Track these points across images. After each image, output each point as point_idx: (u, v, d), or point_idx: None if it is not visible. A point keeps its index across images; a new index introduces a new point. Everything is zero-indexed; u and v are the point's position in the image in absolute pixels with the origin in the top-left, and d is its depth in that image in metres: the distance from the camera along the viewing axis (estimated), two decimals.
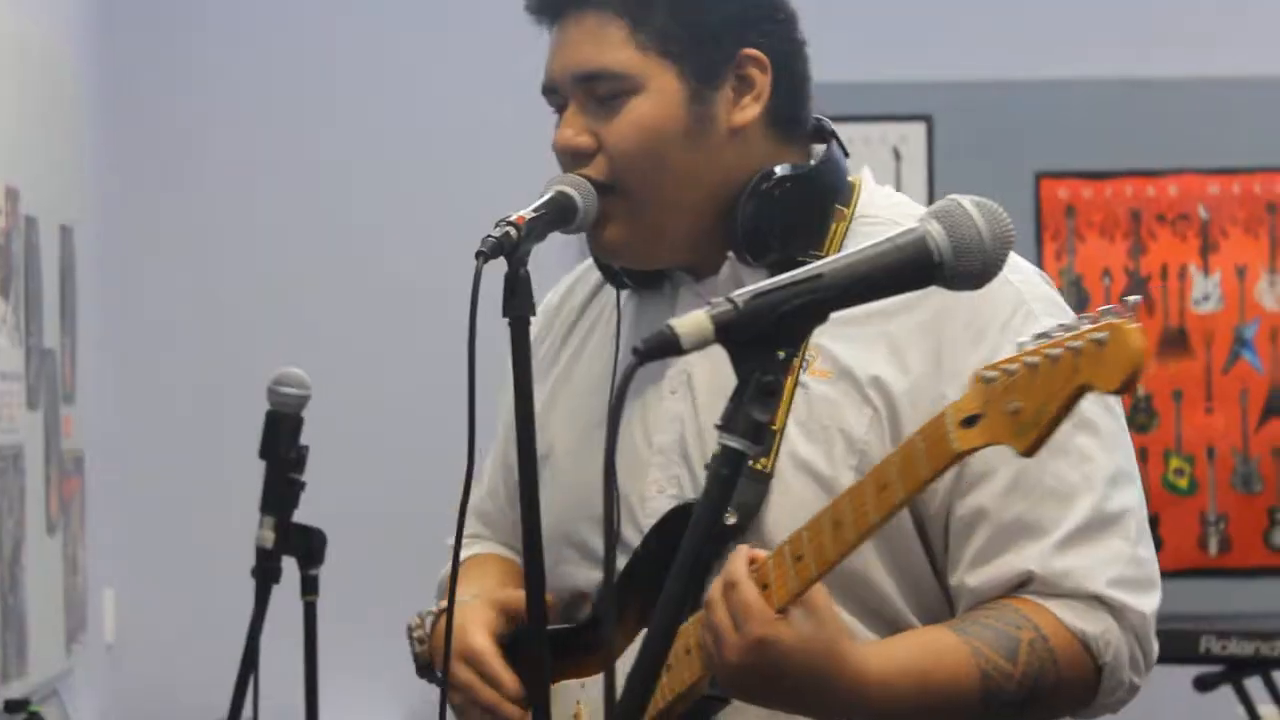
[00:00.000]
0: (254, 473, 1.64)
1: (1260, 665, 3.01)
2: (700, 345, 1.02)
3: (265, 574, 1.59)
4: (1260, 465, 3.49)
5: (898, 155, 3.64)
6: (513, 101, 3.07)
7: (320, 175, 3.70)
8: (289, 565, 1.62)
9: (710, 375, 1.40)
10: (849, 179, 1.49)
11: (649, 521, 1.44)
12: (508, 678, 1.45)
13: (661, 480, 1.48)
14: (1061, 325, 1.06)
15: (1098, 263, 3.58)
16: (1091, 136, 3.60)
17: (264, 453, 1.63)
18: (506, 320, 1.34)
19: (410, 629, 1.60)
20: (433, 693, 1.82)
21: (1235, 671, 2.97)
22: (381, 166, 3.72)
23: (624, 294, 1.54)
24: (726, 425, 1.04)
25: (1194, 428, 3.51)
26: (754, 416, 1.04)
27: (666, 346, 1.03)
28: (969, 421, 1.12)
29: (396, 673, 3.29)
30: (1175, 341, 3.53)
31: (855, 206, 1.46)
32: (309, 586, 1.62)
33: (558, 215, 1.37)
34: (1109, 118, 3.61)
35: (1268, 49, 3.67)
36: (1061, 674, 1.34)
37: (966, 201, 1.06)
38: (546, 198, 1.37)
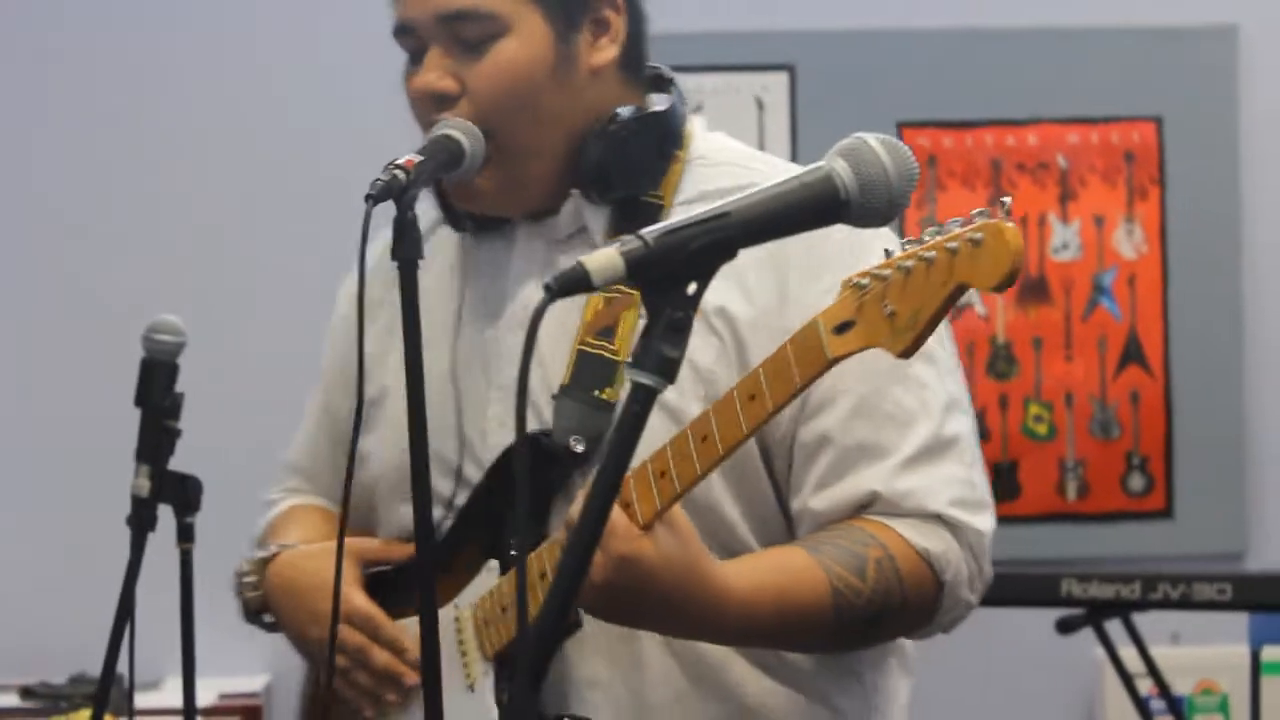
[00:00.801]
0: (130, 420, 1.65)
1: (1120, 607, 3.09)
2: (612, 281, 1.03)
3: (141, 522, 1.59)
4: (1118, 411, 3.57)
5: (760, 105, 3.57)
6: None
7: (196, 105, 3.65)
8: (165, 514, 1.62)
9: (550, 312, 1.36)
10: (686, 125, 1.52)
11: (489, 456, 1.45)
12: (407, 641, 1.44)
13: (502, 415, 1.47)
14: (933, 228, 1.10)
15: (959, 211, 3.23)
16: (953, 86, 3.61)
17: (139, 400, 1.62)
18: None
19: (239, 574, 1.60)
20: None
21: (1096, 614, 3.07)
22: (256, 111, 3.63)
23: (464, 235, 1.54)
24: (637, 362, 1.05)
25: (1053, 375, 3.56)
26: (665, 353, 1.05)
27: (578, 284, 1.03)
28: (841, 328, 1.15)
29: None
30: (1035, 290, 3.57)
31: (688, 150, 1.49)
32: (185, 534, 1.61)
33: (446, 159, 1.36)
34: (970, 68, 3.62)
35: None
36: (907, 590, 1.38)
37: (871, 139, 1.06)
38: (434, 141, 1.37)
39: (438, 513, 1.48)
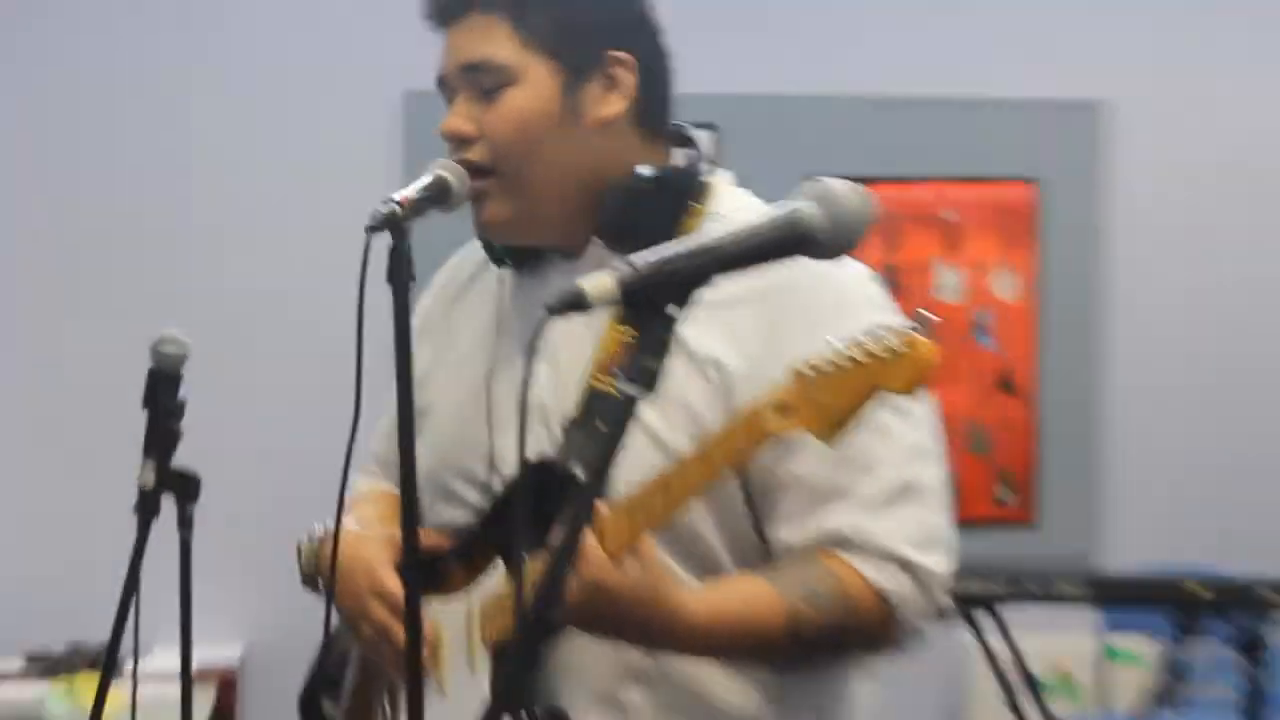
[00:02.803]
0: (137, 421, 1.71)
1: (988, 601, 3.30)
2: (605, 302, 1.08)
3: (146, 510, 1.66)
4: (991, 432, 3.88)
5: None
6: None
7: (198, 127, 3.66)
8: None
9: (568, 342, 1.45)
10: (707, 180, 1.52)
11: (510, 472, 1.49)
12: (426, 625, 1.43)
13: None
14: (876, 327, 1.16)
15: (859, 256, 3.76)
16: (856, 147, 3.85)
17: (146, 403, 1.69)
18: (395, 286, 1.36)
19: (299, 548, 1.64)
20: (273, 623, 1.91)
21: (966, 606, 3.27)
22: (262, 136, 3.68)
23: (505, 271, 1.58)
24: (624, 373, 1.12)
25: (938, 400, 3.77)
26: (646, 364, 1.11)
27: (575, 303, 1.08)
28: (782, 409, 1.21)
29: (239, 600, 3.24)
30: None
31: (708, 204, 1.49)
32: (184, 522, 1.70)
33: (437, 195, 1.41)
34: (871, 132, 3.88)
35: (1003, 75, 3.97)
36: (860, 622, 1.41)
37: (833, 182, 1.13)
38: (427, 180, 1.42)
39: (460, 517, 1.54)
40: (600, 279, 1.09)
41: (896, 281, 3.73)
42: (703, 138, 1.59)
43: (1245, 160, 4.10)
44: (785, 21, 3.89)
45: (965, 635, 3.35)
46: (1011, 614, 3.30)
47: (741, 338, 1.43)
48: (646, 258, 1.11)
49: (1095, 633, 3.65)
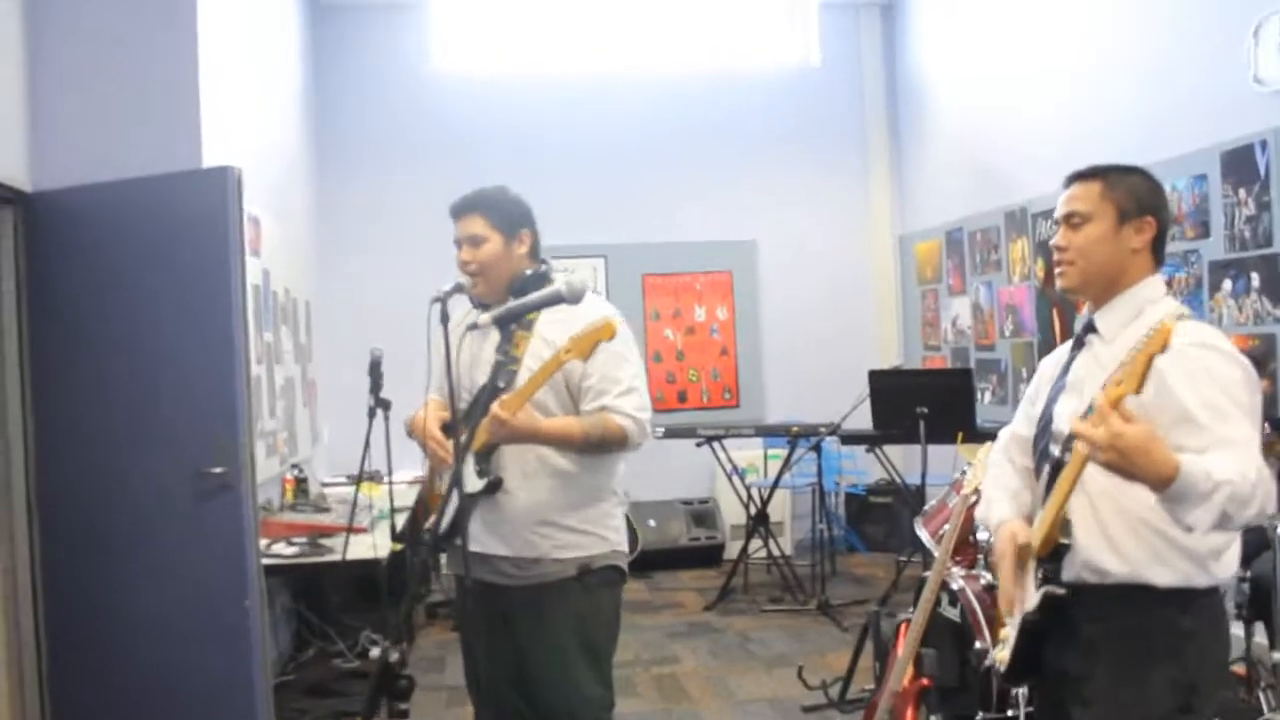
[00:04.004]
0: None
1: (720, 438, 8.23)
2: (487, 325, 2.90)
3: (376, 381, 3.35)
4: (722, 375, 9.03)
5: (595, 269, 8.32)
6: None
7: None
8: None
9: (484, 344, 3.09)
10: (547, 274, 3.04)
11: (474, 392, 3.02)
12: (445, 453, 2.90)
13: (471, 389, 3.02)
14: (605, 316, 2.88)
15: (658, 305, 8.85)
16: (661, 259, 8.55)
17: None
18: (442, 325, 2.73)
19: (405, 424, 3.13)
20: None
21: (709, 441, 8.26)
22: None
23: (477, 313, 3.00)
24: (500, 353, 2.95)
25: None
26: (506, 349, 2.95)
27: (478, 324, 2.85)
28: (567, 350, 2.79)
29: None
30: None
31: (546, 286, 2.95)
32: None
33: (458, 288, 2.97)
34: (669, 255, 8.64)
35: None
36: (614, 439, 2.97)
37: (570, 277, 2.87)
38: (455, 284, 2.95)
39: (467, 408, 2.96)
40: (485, 316, 2.82)
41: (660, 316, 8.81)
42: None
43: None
44: None
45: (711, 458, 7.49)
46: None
47: (554, 330, 2.95)
48: (503, 309, 2.80)
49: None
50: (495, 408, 2.81)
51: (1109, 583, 2.26)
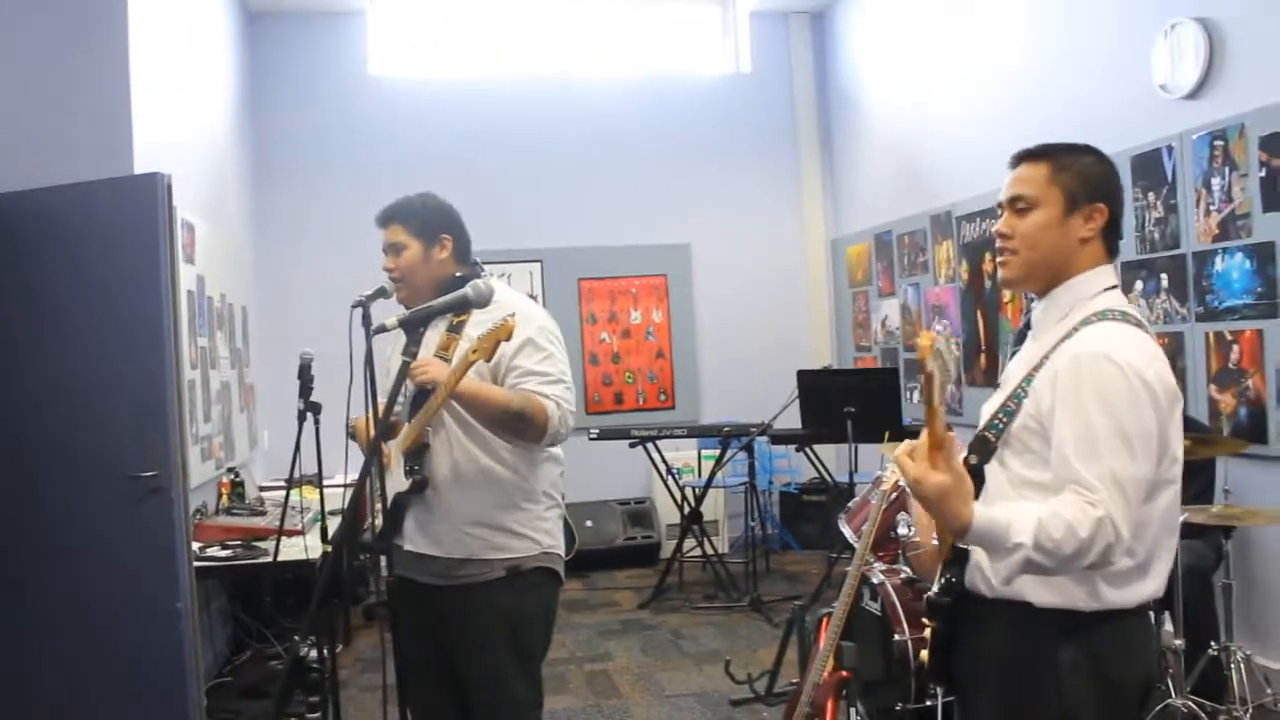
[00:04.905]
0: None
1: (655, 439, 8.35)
2: (394, 328, 2.93)
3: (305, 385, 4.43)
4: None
5: (530, 274, 8.47)
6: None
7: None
8: None
9: (431, 342, 3.17)
10: (471, 278, 3.04)
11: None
12: (385, 448, 2.95)
13: (408, 387, 3.08)
14: (505, 318, 2.88)
15: (594, 306, 9.09)
16: (600, 263, 8.69)
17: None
18: (364, 328, 2.77)
19: (348, 429, 3.16)
20: None
21: (642, 443, 8.40)
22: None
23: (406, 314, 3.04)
24: (406, 350, 3.13)
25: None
26: (411, 348, 3.15)
27: (384, 328, 2.84)
28: (474, 351, 2.83)
29: None
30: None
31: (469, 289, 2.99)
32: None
33: (381, 292, 3.02)
34: (613, 258, 8.86)
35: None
36: (537, 417, 2.99)
37: (477, 282, 2.97)
38: (378, 288, 3.02)
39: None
40: (391, 319, 2.85)
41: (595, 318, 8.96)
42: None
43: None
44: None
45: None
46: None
47: (472, 331, 3.03)
48: (412, 312, 2.96)
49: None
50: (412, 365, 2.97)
51: (992, 596, 2.13)
